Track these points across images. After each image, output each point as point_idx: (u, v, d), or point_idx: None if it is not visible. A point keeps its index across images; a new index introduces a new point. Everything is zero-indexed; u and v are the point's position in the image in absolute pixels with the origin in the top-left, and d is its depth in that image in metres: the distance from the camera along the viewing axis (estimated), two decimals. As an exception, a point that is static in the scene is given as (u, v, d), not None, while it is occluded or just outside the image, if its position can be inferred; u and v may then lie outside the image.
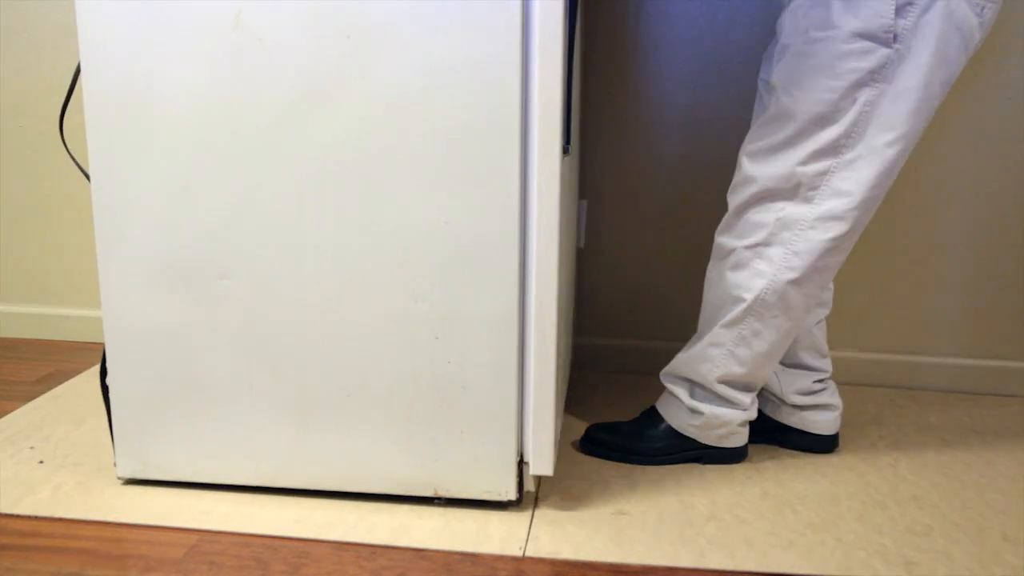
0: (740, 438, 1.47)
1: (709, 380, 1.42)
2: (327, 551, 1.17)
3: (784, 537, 1.23)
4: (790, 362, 1.52)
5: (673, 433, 1.46)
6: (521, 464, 1.28)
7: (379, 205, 1.20)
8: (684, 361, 1.45)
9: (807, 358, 1.52)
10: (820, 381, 1.52)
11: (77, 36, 1.84)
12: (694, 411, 1.44)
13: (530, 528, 1.24)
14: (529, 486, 1.30)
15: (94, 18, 1.19)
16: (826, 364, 1.53)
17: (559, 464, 1.45)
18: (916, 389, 1.88)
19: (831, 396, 1.52)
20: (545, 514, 1.28)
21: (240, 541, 1.19)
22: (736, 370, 1.40)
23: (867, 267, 1.85)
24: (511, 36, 1.13)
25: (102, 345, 2.05)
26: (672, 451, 1.47)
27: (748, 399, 1.43)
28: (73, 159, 1.35)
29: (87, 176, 1.32)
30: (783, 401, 1.53)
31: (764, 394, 1.55)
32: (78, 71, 1.30)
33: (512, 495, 1.28)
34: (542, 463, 1.26)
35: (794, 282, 1.33)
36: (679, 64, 1.80)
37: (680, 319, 1.93)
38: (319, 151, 1.20)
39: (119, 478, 1.36)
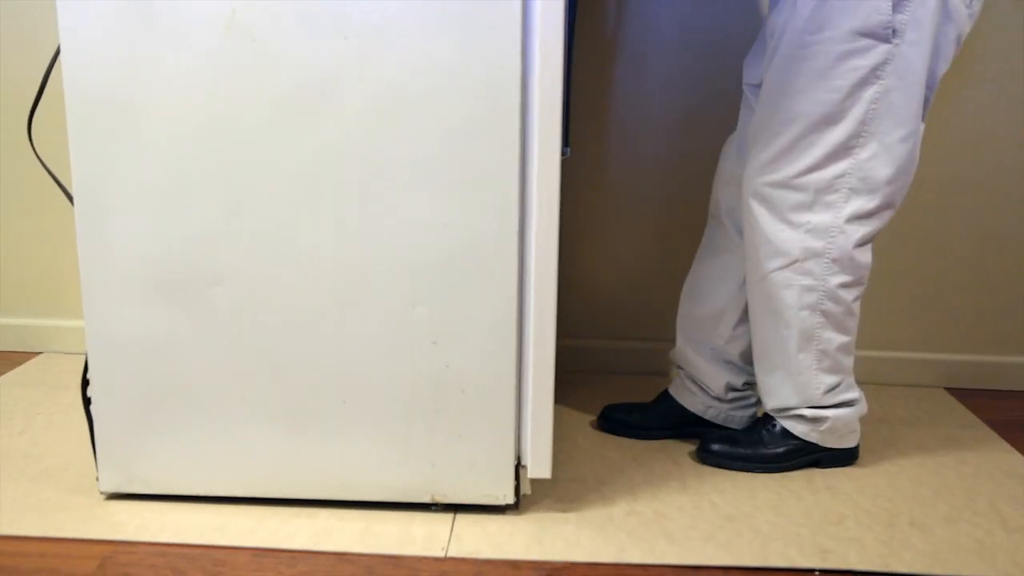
0: (856, 437, 1.48)
1: (816, 399, 1.42)
2: (246, 558, 1.16)
3: (703, 530, 1.25)
4: (725, 359, 1.54)
5: (794, 438, 1.46)
6: (518, 468, 1.28)
7: (376, 208, 1.19)
8: (787, 397, 1.43)
9: (741, 359, 1.54)
10: (749, 384, 1.55)
11: (49, 33, 1.81)
12: (818, 419, 1.43)
13: (452, 529, 1.24)
14: (526, 489, 1.30)
15: (77, 14, 1.14)
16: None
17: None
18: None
19: (755, 395, 1.56)
20: (465, 518, 1.28)
21: (155, 551, 1.17)
22: (831, 380, 1.41)
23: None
24: (511, 36, 1.13)
25: (18, 354, 1.99)
26: (795, 456, 1.46)
27: (856, 393, 1.45)
28: (42, 163, 1.29)
29: (57, 181, 1.27)
30: (709, 394, 1.55)
31: (691, 385, 1.57)
32: (49, 69, 1.25)
33: (510, 499, 1.28)
34: (540, 466, 1.24)
35: (844, 285, 1.35)
36: (661, 63, 1.81)
37: (659, 319, 1.94)
38: (315, 153, 1.18)
39: (102, 493, 1.32)
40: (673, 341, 1.65)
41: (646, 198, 1.88)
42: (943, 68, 1.29)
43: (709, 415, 1.56)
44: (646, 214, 1.89)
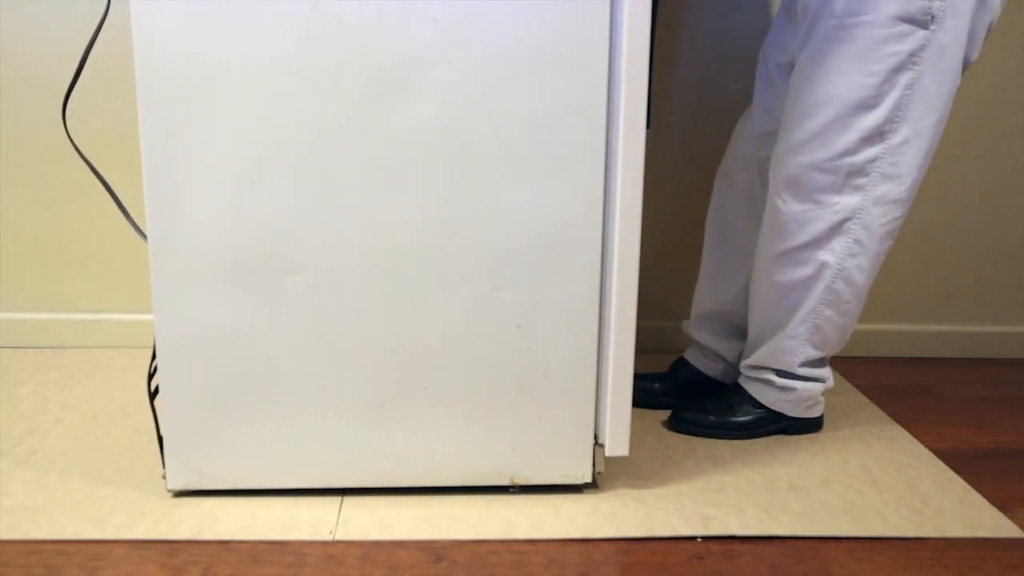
0: (821, 407, 1.53)
1: (792, 367, 1.46)
2: (125, 551, 1.12)
3: (589, 502, 1.27)
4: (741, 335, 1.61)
5: (762, 407, 1.51)
6: (595, 447, 1.28)
7: (463, 193, 1.16)
8: (764, 355, 1.48)
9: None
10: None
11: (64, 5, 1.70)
12: (786, 388, 1.48)
13: (340, 511, 1.23)
14: (600, 467, 1.30)
15: None
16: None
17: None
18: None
19: None
20: (353, 500, 1.27)
21: (28, 549, 1.12)
22: (814, 354, 1.45)
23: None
24: (599, 19, 1.12)
25: None
26: (763, 424, 1.51)
27: (827, 372, 1.50)
28: (77, 150, 1.23)
29: (97, 174, 1.22)
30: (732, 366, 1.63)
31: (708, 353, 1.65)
32: (87, 53, 1.18)
33: (588, 478, 1.29)
34: (618, 444, 1.24)
35: (860, 267, 1.37)
36: (675, 45, 1.82)
37: (683, 299, 1.94)
38: (401, 137, 1.14)
39: (169, 490, 1.26)
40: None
41: (670, 176, 1.91)
42: (975, 55, 1.31)
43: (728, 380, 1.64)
44: (671, 191, 1.92)
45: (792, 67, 1.40)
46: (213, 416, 1.22)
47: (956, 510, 1.28)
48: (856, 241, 1.36)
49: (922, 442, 1.51)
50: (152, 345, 1.35)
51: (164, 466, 1.24)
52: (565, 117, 1.15)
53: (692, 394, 1.61)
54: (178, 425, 1.23)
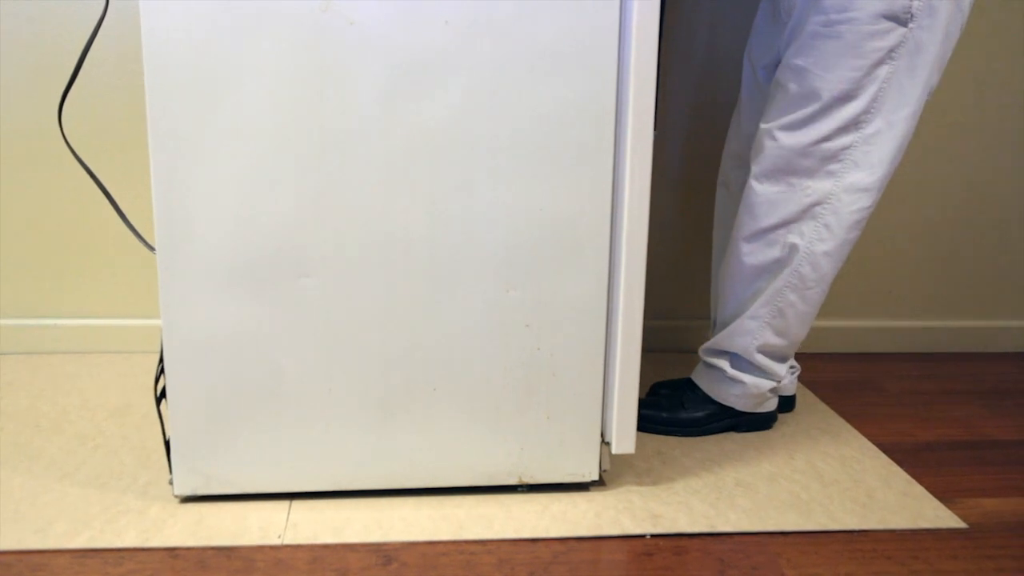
0: (772, 403, 1.55)
1: (749, 351, 1.47)
2: (67, 561, 1.10)
3: (539, 502, 1.27)
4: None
5: (713, 403, 1.52)
6: (602, 445, 1.29)
7: (473, 194, 1.16)
8: (725, 336, 1.49)
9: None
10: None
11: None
12: (736, 381, 1.49)
13: (288, 515, 1.22)
14: (605, 465, 1.31)
15: None
16: None
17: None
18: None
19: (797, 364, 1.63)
20: (302, 504, 1.26)
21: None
22: (774, 341, 1.46)
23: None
24: (609, 23, 1.13)
25: None
26: (714, 420, 1.52)
27: (784, 368, 1.51)
28: (73, 152, 1.19)
29: (93, 176, 1.19)
30: None
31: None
32: (86, 51, 1.15)
33: (595, 475, 1.29)
34: (625, 442, 1.25)
35: (827, 253, 1.39)
36: (675, 43, 1.80)
37: (700, 298, 1.93)
38: (412, 138, 1.14)
39: (176, 496, 1.24)
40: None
41: (680, 176, 1.91)
42: (948, 54, 1.36)
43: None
44: (683, 191, 1.92)
45: (776, 66, 1.45)
46: (220, 420, 1.22)
47: (899, 502, 1.30)
48: (825, 226, 1.39)
49: (866, 436, 1.54)
50: (159, 348, 1.33)
51: (171, 471, 1.23)
52: (574, 117, 1.17)
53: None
54: (185, 430, 1.22)
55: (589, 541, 1.19)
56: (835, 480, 1.37)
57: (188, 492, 1.24)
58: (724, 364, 1.51)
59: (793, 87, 1.36)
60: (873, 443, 1.51)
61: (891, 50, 1.31)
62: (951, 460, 1.47)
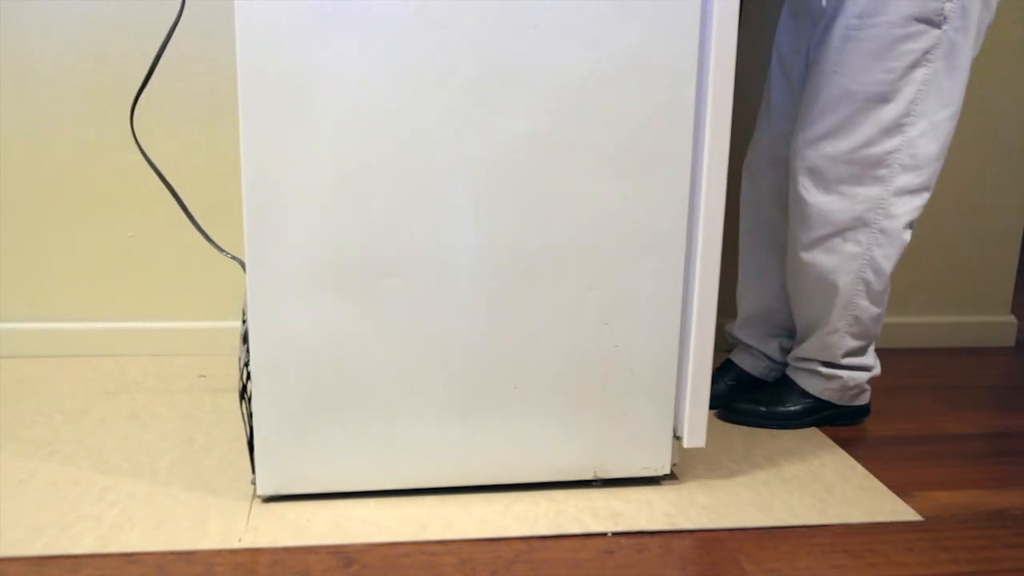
0: (867, 396, 1.58)
1: (836, 358, 1.51)
2: (22, 568, 1.09)
3: (501, 501, 1.27)
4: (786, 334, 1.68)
5: (811, 397, 1.55)
6: (674, 440, 1.31)
7: (557, 197, 1.18)
8: (808, 348, 1.53)
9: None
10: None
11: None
12: (832, 377, 1.52)
13: (248, 519, 1.21)
14: (675, 459, 1.34)
15: None
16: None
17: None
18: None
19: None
20: (262, 507, 1.25)
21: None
22: (856, 344, 1.50)
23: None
24: (690, 30, 1.16)
25: None
26: (811, 413, 1.55)
27: (872, 358, 1.54)
28: (145, 156, 1.19)
29: (161, 177, 1.20)
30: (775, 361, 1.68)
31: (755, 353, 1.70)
32: (159, 56, 1.16)
33: (667, 469, 1.33)
34: (696, 436, 1.28)
35: (887, 256, 1.42)
36: None
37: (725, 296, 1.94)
38: (499, 140, 1.15)
39: (259, 496, 1.25)
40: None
41: None
42: (976, 53, 1.38)
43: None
44: None
45: (806, 64, 1.47)
46: (306, 419, 1.22)
47: (857, 497, 1.32)
48: (881, 231, 1.42)
49: (825, 432, 1.56)
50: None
51: (253, 471, 1.24)
52: (654, 120, 1.19)
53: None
54: (269, 430, 1.22)
55: (551, 540, 1.19)
56: (794, 476, 1.38)
57: (271, 492, 1.25)
58: (817, 366, 1.55)
59: (825, 92, 1.38)
60: (831, 439, 1.53)
61: (926, 52, 1.33)
62: (906, 455, 1.49)
